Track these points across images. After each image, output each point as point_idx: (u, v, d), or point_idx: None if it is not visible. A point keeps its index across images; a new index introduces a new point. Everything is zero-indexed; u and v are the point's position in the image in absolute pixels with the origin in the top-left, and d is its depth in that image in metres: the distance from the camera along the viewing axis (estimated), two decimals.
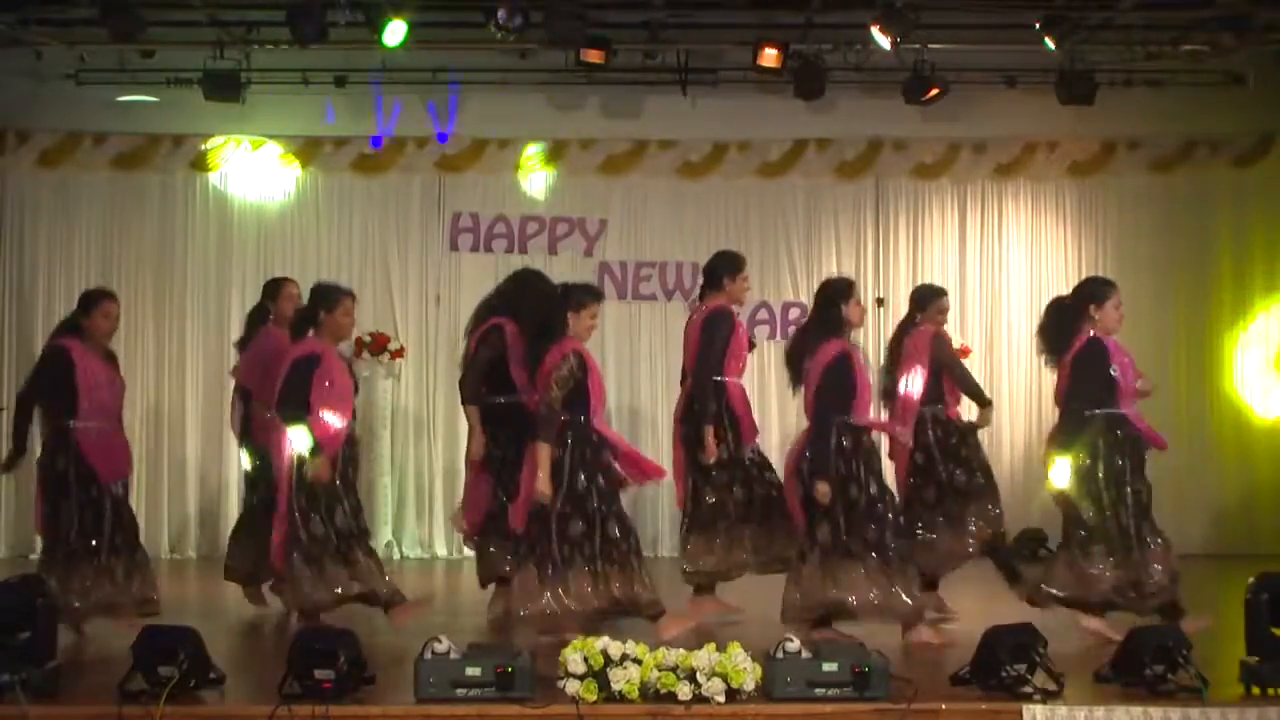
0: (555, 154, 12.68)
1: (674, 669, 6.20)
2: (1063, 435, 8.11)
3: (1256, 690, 6.39)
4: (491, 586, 8.92)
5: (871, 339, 12.02)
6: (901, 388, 9.01)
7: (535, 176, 12.71)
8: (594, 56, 11.01)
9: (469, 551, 9.67)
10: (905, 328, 9.33)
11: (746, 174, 12.75)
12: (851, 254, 12.79)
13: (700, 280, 9.25)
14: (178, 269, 12.56)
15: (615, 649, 6.23)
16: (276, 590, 8.51)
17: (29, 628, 6.40)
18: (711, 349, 8.75)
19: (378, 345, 12.28)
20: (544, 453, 7.68)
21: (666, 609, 7.93)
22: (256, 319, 9.44)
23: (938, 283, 12.25)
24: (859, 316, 8.14)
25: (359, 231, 12.69)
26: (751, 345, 9.20)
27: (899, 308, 10.93)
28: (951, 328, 12.01)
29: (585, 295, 8.05)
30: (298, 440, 7.95)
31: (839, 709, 6.21)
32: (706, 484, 8.77)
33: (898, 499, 8.27)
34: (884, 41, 10.45)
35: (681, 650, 6.28)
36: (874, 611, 7.80)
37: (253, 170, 12.61)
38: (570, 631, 7.24)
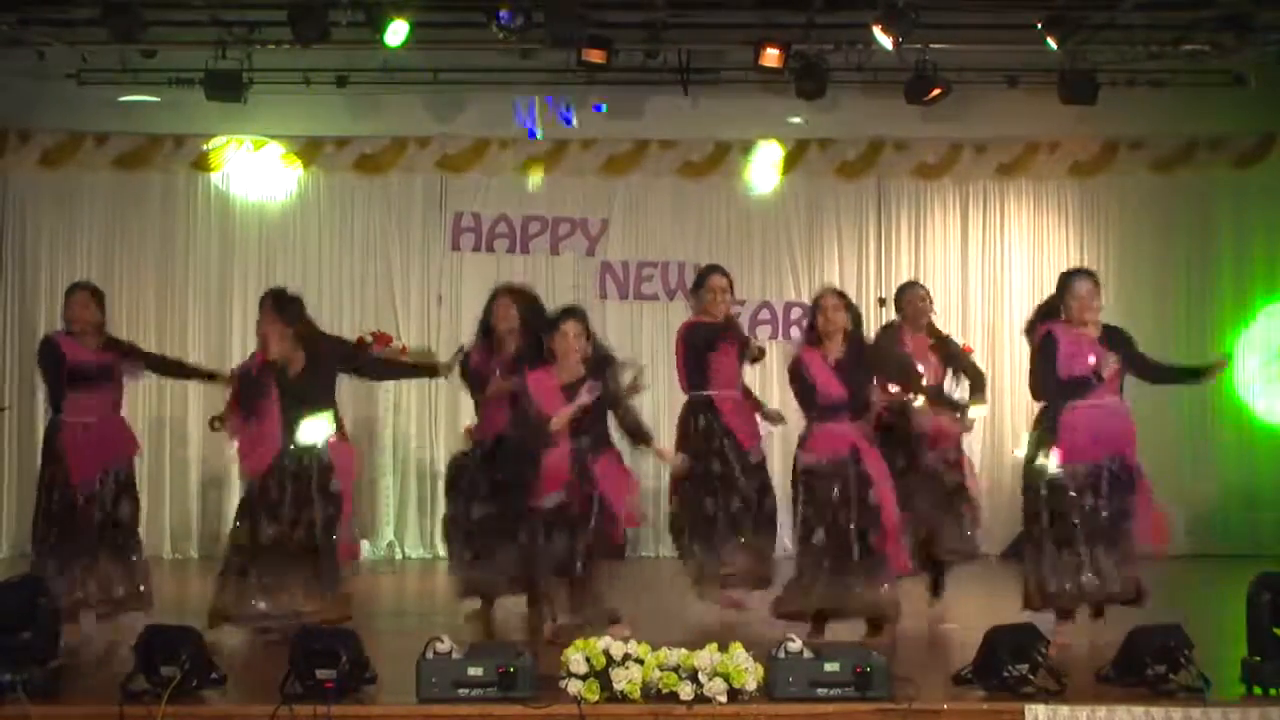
0: (556, 154, 12.68)
1: (676, 669, 6.21)
2: (1033, 430, 8.14)
3: (1258, 690, 6.40)
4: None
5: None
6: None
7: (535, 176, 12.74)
8: (595, 56, 11.00)
9: None
10: (884, 328, 9.39)
11: (748, 174, 12.75)
12: (853, 254, 12.80)
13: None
14: (179, 269, 12.56)
15: (617, 649, 6.23)
16: None
17: (30, 628, 6.40)
18: (690, 364, 8.79)
19: (380, 345, 12.27)
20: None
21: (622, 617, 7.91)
22: None
23: (939, 283, 12.36)
24: (826, 322, 8.00)
25: (361, 231, 12.69)
26: (759, 352, 9.17)
27: None
28: (953, 327, 12.11)
29: (559, 316, 8.07)
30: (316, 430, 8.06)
31: (841, 709, 6.21)
32: (698, 494, 8.83)
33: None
34: (886, 41, 10.44)
35: (683, 650, 6.28)
36: (865, 609, 7.82)
37: (254, 170, 12.62)
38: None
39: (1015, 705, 6.23)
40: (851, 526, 7.81)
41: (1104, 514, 7.79)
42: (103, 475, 8.34)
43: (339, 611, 7.88)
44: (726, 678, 6.18)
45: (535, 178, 12.65)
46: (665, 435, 11.57)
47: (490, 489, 8.65)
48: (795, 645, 6.33)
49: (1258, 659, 6.48)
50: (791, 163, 12.77)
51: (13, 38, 11.12)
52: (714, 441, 8.88)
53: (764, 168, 12.74)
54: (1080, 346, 7.88)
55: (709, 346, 8.91)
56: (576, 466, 7.82)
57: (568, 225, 12.72)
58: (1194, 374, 8.50)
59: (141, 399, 12.07)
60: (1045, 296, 8.44)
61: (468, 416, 9.81)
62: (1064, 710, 6.19)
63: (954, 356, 9.43)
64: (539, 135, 12.51)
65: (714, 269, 9.26)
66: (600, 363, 8.00)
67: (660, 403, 12.30)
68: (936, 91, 11.51)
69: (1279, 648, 6.46)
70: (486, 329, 8.81)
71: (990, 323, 12.74)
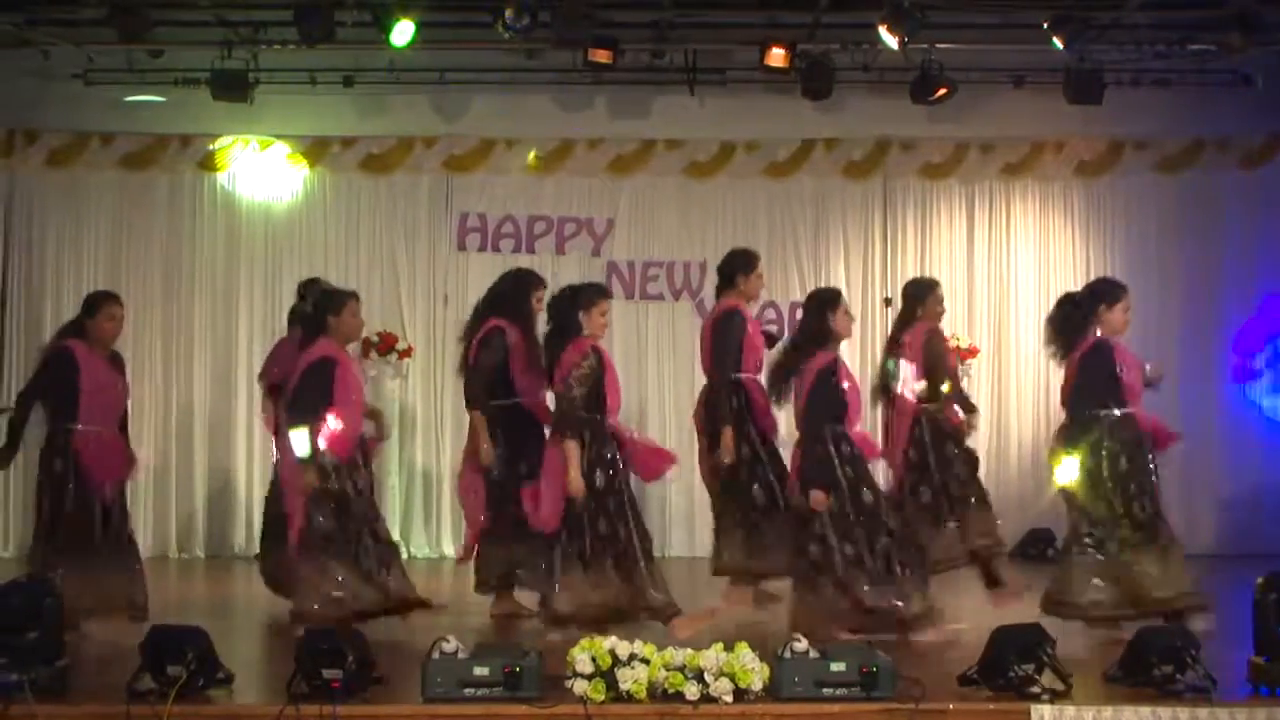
0: (562, 154, 12.69)
1: (681, 669, 6.21)
2: (1069, 435, 8.13)
3: (1266, 689, 6.39)
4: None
5: (879, 340, 11.98)
6: (897, 387, 9.01)
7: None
8: (602, 56, 11.01)
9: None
10: (903, 324, 9.34)
11: (754, 174, 12.75)
12: (859, 254, 12.79)
13: (704, 280, 9.28)
14: (186, 268, 12.55)
15: (623, 649, 6.23)
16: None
17: (37, 627, 6.41)
18: (726, 350, 8.79)
19: (385, 345, 12.31)
20: (572, 450, 7.73)
21: (681, 610, 7.93)
22: (296, 319, 9.45)
23: (945, 283, 12.29)
24: (846, 327, 8.08)
25: (367, 231, 12.69)
26: (774, 339, 9.17)
27: None
28: (960, 327, 12.13)
29: (594, 293, 8.15)
30: (299, 445, 7.94)
31: (846, 709, 6.21)
32: (732, 484, 8.81)
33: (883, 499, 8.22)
34: (892, 41, 10.44)
35: (689, 650, 6.29)
36: (877, 622, 7.80)
37: (261, 170, 12.62)
38: (589, 629, 7.26)
39: (1021, 705, 6.23)
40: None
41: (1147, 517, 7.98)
42: (116, 484, 8.36)
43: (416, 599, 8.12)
44: (732, 677, 6.18)
45: (532, 159, 12.64)
46: (672, 433, 11.66)
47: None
48: (801, 645, 6.33)
49: (1264, 659, 6.47)
50: (797, 162, 12.76)
51: (19, 38, 11.14)
52: (744, 426, 8.86)
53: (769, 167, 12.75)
54: (1133, 358, 8.12)
55: (742, 335, 8.88)
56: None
57: (573, 225, 12.72)
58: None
59: (148, 399, 12.11)
60: (1052, 297, 8.49)
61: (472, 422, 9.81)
62: (1070, 710, 6.19)
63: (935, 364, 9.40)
64: None
65: (755, 254, 9.20)
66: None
67: (666, 399, 12.35)
68: (942, 91, 11.52)
69: None
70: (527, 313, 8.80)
71: (996, 322, 12.72)
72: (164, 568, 11.68)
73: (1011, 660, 6.35)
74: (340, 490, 8.01)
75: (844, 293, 8.58)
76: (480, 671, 6.20)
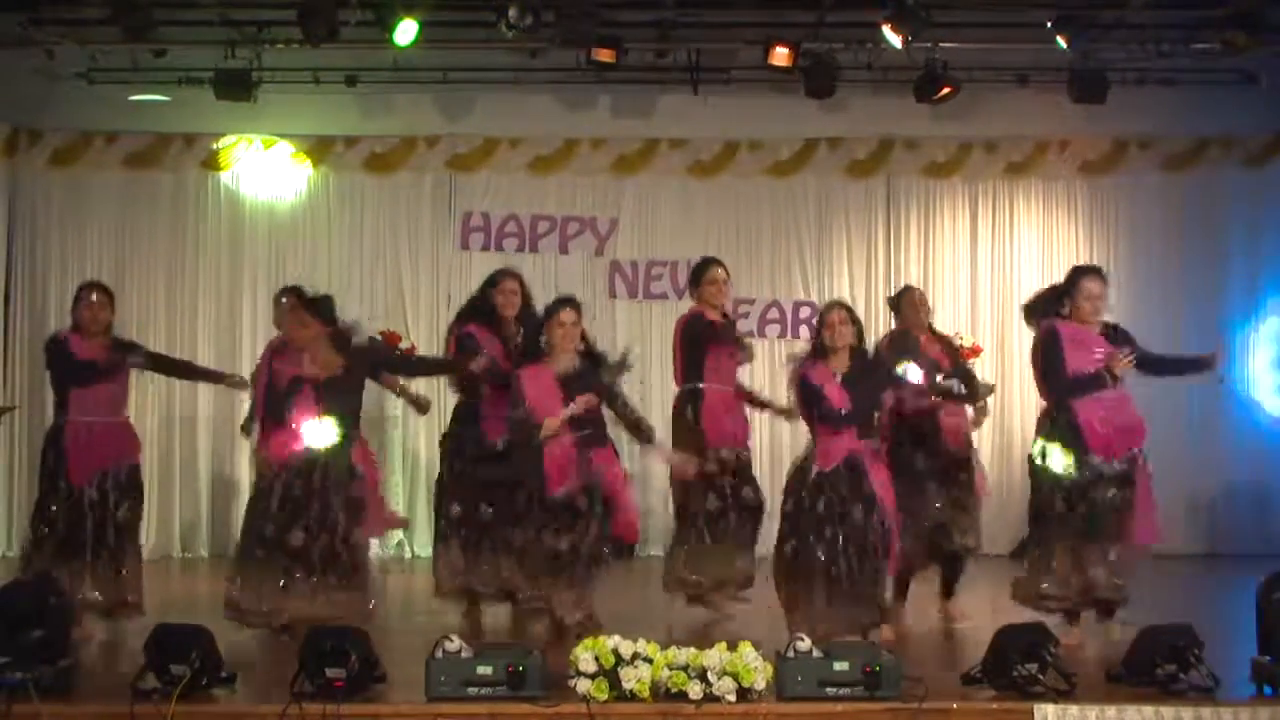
0: (566, 153, 12.69)
1: (685, 668, 6.21)
2: (1038, 423, 8.15)
3: (1270, 689, 6.39)
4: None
5: None
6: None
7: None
8: (605, 55, 11.00)
9: None
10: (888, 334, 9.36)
11: (758, 173, 12.75)
12: (862, 253, 12.78)
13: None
14: (189, 268, 12.58)
15: (626, 648, 6.24)
16: None
17: (41, 626, 6.41)
18: (685, 359, 8.78)
19: (388, 344, 12.29)
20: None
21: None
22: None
23: (949, 282, 12.37)
24: (832, 337, 7.96)
25: (370, 231, 12.70)
26: (743, 350, 9.11)
27: None
28: (962, 326, 12.11)
29: (554, 306, 8.11)
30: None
31: (850, 708, 6.22)
32: (683, 495, 8.85)
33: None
34: (895, 40, 10.44)
35: (692, 649, 6.29)
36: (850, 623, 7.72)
37: (264, 169, 12.63)
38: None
39: (1025, 705, 6.23)
40: (845, 543, 7.73)
41: (1111, 511, 7.80)
42: (102, 477, 8.26)
43: (360, 619, 7.85)
44: (735, 677, 6.18)
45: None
46: (671, 430, 11.63)
47: (485, 489, 8.64)
48: (804, 644, 6.33)
49: (1267, 659, 6.47)
50: (801, 161, 12.76)
51: (23, 37, 11.14)
52: (695, 436, 8.89)
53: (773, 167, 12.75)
54: (1086, 342, 7.92)
55: (706, 341, 8.89)
56: (581, 457, 7.85)
57: (577, 224, 12.72)
58: (1193, 364, 8.34)
59: (151, 399, 12.12)
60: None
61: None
62: (1073, 710, 6.19)
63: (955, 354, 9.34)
64: None
65: (712, 261, 9.21)
66: (592, 357, 8.04)
67: (666, 398, 12.31)
68: (946, 90, 11.51)
69: None
70: (489, 310, 8.75)
71: (1000, 321, 12.70)
72: (168, 567, 11.71)
73: (1015, 660, 6.35)
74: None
75: (846, 293, 8.55)
76: (484, 670, 6.21)
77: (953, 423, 8.87)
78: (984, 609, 8.69)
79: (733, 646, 6.29)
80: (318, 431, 7.89)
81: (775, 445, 12.11)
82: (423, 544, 12.45)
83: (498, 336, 8.69)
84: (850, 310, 8.02)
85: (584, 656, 6.21)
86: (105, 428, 8.32)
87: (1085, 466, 7.86)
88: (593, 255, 12.65)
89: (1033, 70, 12.01)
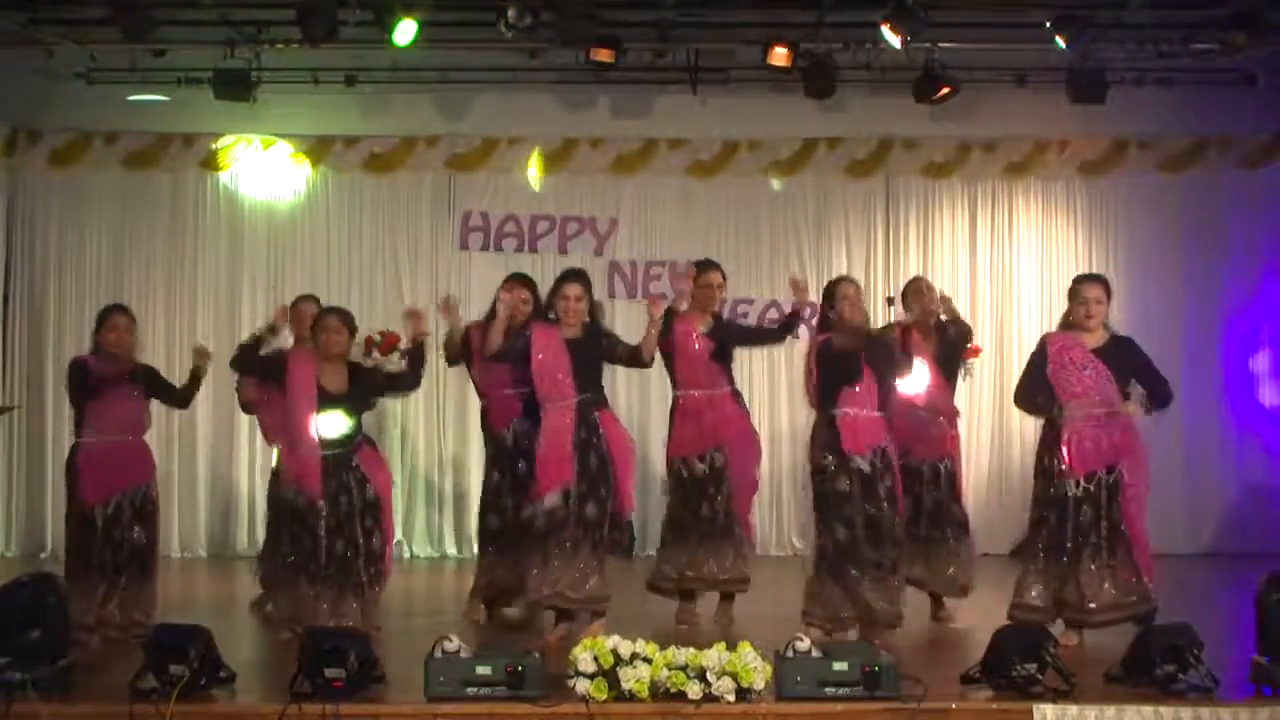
0: (565, 153, 12.69)
1: (684, 668, 6.21)
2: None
3: (1269, 689, 6.39)
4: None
5: None
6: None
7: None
8: (604, 55, 10.99)
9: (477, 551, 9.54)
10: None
11: (757, 173, 12.75)
12: (861, 253, 12.78)
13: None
14: (188, 268, 12.57)
15: (625, 648, 6.24)
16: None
17: (41, 626, 6.41)
18: (666, 365, 8.82)
19: (387, 345, 12.19)
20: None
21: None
22: None
23: (948, 282, 12.32)
24: (848, 312, 7.94)
25: (369, 231, 12.69)
26: (714, 347, 8.91)
27: None
28: None
29: (559, 280, 8.23)
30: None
31: (849, 708, 6.22)
32: (666, 495, 8.90)
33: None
34: (894, 40, 10.43)
35: (691, 649, 6.29)
36: (875, 622, 7.77)
37: (263, 169, 12.63)
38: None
39: (1024, 705, 6.24)
40: (881, 530, 7.76)
41: (1100, 529, 7.73)
42: (119, 498, 8.20)
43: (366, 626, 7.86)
44: (735, 677, 6.18)
45: (538, 169, 12.66)
46: None
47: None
48: (804, 644, 6.33)
49: (1266, 659, 6.47)
50: (800, 161, 12.76)
51: (22, 37, 11.13)
52: (670, 442, 8.93)
53: (772, 167, 12.74)
54: (1075, 360, 7.81)
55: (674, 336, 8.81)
56: (581, 423, 7.93)
57: (576, 224, 12.72)
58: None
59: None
60: (1052, 295, 8.39)
61: (474, 414, 9.80)
62: (1072, 710, 6.19)
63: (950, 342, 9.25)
64: None
65: (708, 264, 9.10)
66: (598, 330, 8.19)
67: (668, 398, 12.32)
68: (945, 90, 11.50)
69: None
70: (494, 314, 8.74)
71: (999, 321, 12.70)
72: (166, 567, 11.62)
73: (1014, 660, 6.36)
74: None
75: None
76: (483, 671, 6.22)
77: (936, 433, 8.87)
78: (984, 609, 8.67)
79: (732, 646, 6.29)
80: (332, 439, 7.94)
81: (774, 434, 12.11)
82: (420, 544, 12.47)
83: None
84: (858, 286, 8.06)
85: (583, 656, 6.21)
86: (121, 447, 8.26)
87: (1061, 483, 7.80)
88: (592, 255, 12.63)
89: (1032, 70, 12.01)
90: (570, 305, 8.04)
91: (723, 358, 8.81)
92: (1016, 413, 12.27)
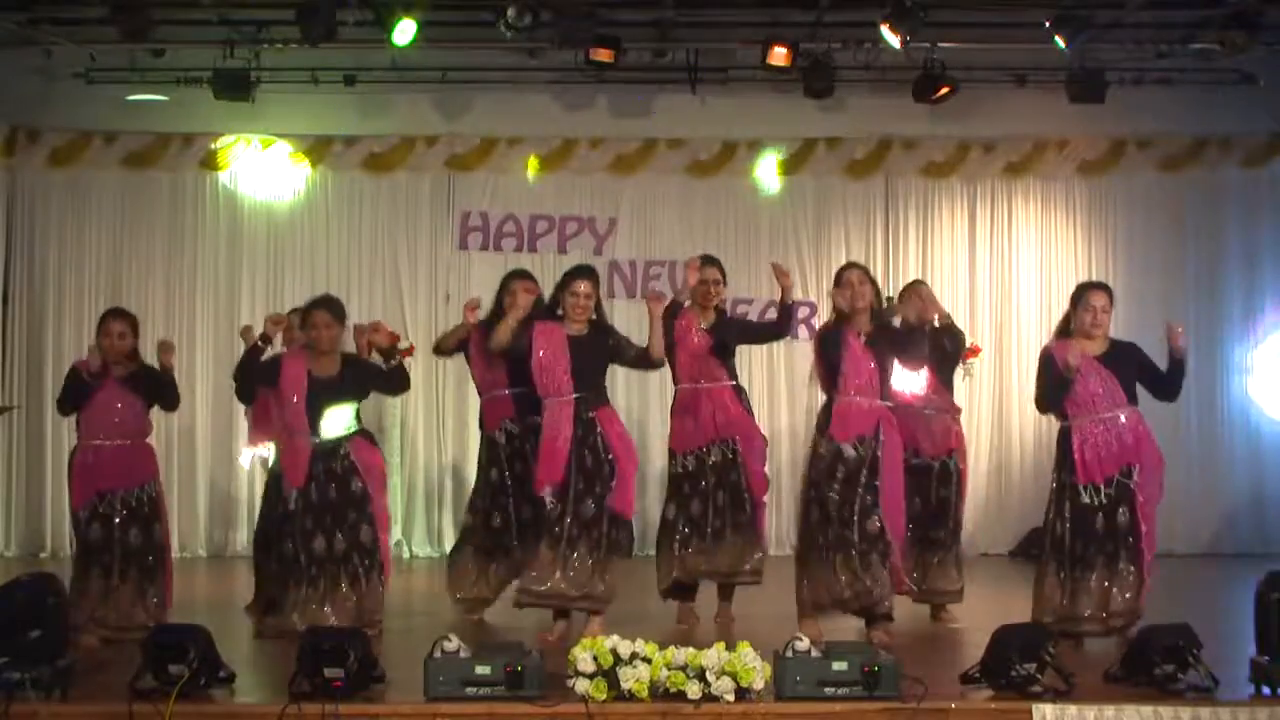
0: (564, 153, 12.69)
1: (683, 668, 6.21)
2: None
3: (1269, 689, 6.39)
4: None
5: None
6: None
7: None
8: (603, 55, 11.00)
9: None
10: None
11: (755, 173, 12.74)
12: (861, 253, 12.73)
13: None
14: (187, 267, 12.56)
15: (624, 648, 6.24)
16: None
17: (40, 626, 6.41)
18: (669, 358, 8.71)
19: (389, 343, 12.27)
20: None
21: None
22: None
23: (947, 282, 12.34)
24: (852, 297, 7.93)
25: (368, 230, 12.69)
26: (713, 342, 8.88)
27: None
28: (961, 325, 12.03)
29: (567, 275, 8.22)
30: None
31: (849, 708, 6.21)
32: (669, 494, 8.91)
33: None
34: (894, 40, 10.44)
35: (691, 649, 6.29)
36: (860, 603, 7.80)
37: (262, 169, 12.62)
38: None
39: (1023, 705, 6.23)
40: (855, 515, 7.76)
41: (1096, 539, 7.70)
42: (115, 500, 8.15)
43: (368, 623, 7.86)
44: (734, 676, 6.18)
45: (533, 169, 12.65)
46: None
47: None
48: (803, 644, 6.33)
49: (1266, 658, 6.47)
50: (799, 161, 12.75)
51: (22, 37, 11.15)
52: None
53: (771, 166, 12.73)
54: (1080, 366, 7.78)
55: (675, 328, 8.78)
56: (578, 421, 7.91)
57: (575, 224, 12.72)
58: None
59: None
60: (1052, 295, 8.38)
61: (474, 414, 9.78)
62: (1072, 710, 6.19)
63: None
64: None
65: (708, 260, 9.01)
66: (603, 328, 8.17)
67: (668, 399, 12.31)
68: (944, 90, 11.51)
69: None
70: (500, 311, 8.72)
71: (998, 321, 12.70)
72: None
73: (1013, 659, 6.35)
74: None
75: None
76: (482, 670, 6.21)
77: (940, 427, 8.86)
78: (984, 608, 8.68)
79: (731, 646, 6.28)
80: (324, 429, 7.97)
81: (774, 433, 12.10)
82: (420, 543, 12.47)
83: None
84: (867, 270, 8.04)
85: (582, 656, 6.21)
86: (119, 450, 8.22)
87: (1073, 490, 7.78)
88: (591, 255, 12.60)
89: (1031, 70, 12.02)
90: (579, 302, 8.03)
91: (723, 353, 8.80)
92: (1016, 413, 12.40)
